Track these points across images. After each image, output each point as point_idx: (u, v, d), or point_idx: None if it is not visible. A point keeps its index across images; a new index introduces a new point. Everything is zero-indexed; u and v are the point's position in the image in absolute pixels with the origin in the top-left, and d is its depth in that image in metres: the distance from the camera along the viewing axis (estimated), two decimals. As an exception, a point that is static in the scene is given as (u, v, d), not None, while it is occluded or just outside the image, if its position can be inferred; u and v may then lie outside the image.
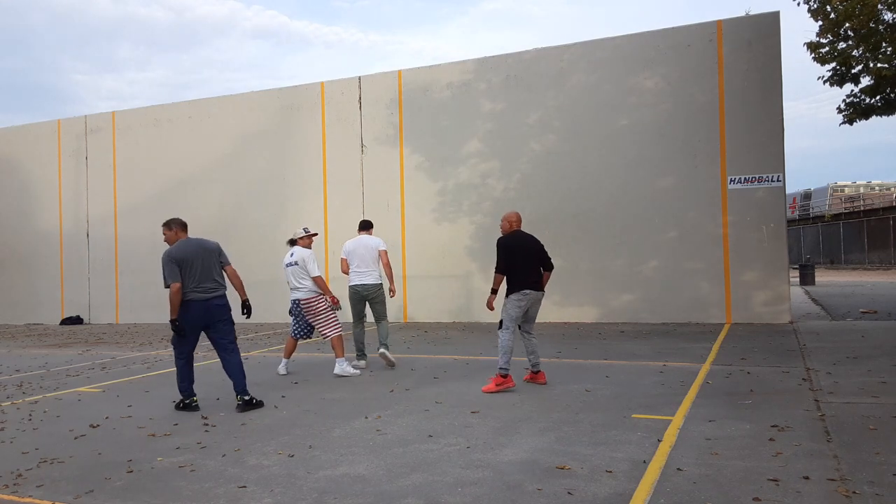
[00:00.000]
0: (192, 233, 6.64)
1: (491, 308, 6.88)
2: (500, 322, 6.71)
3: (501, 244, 6.79)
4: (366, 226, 8.62)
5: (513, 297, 6.64)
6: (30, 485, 4.16)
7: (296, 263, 7.77)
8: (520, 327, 6.78)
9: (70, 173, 17.66)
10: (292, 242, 8.01)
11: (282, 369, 8.02)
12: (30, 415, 6.19)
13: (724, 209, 12.06)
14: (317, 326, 7.86)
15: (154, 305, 16.44)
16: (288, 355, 8.11)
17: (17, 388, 7.69)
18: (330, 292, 7.79)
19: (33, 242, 18.06)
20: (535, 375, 6.87)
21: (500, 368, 6.53)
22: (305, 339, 8.24)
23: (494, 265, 6.75)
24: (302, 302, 7.80)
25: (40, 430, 5.61)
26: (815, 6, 11.42)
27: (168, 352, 10.63)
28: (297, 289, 7.82)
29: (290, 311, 8.13)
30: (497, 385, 6.50)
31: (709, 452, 4.32)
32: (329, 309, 7.79)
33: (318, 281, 7.70)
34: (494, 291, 6.79)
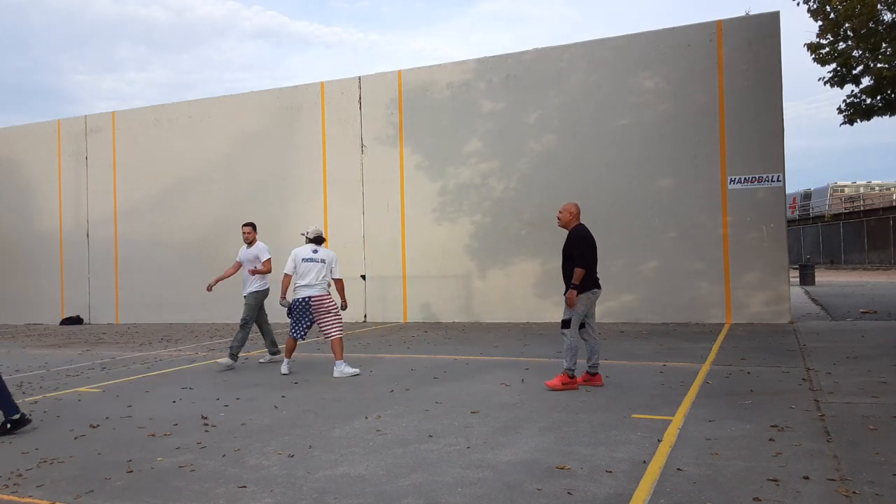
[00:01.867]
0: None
1: (572, 305, 6.41)
2: (566, 321, 6.42)
3: (583, 236, 6.45)
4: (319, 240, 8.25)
5: (585, 294, 6.39)
6: (30, 485, 4.16)
7: (322, 261, 7.93)
8: (581, 326, 6.51)
9: (70, 173, 17.66)
10: (318, 240, 8.08)
11: (284, 368, 8.02)
12: (30, 415, 6.18)
13: (724, 209, 12.06)
14: (323, 325, 7.90)
15: (154, 306, 16.46)
16: (289, 355, 8.11)
17: (17, 388, 7.69)
18: (345, 297, 8.17)
19: (33, 242, 18.06)
20: (593, 378, 6.61)
21: (568, 369, 6.36)
22: (303, 339, 8.23)
23: (568, 262, 6.34)
24: (314, 299, 7.87)
25: (40, 430, 5.61)
26: (815, 6, 11.43)
27: (167, 352, 10.64)
28: (312, 286, 7.87)
29: (288, 313, 8.06)
30: (563, 384, 6.35)
31: (709, 452, 4.32)
32: (338, 310, 7.97)
33: (341, 283, 8.08)
34: (576, 287, 6.36)
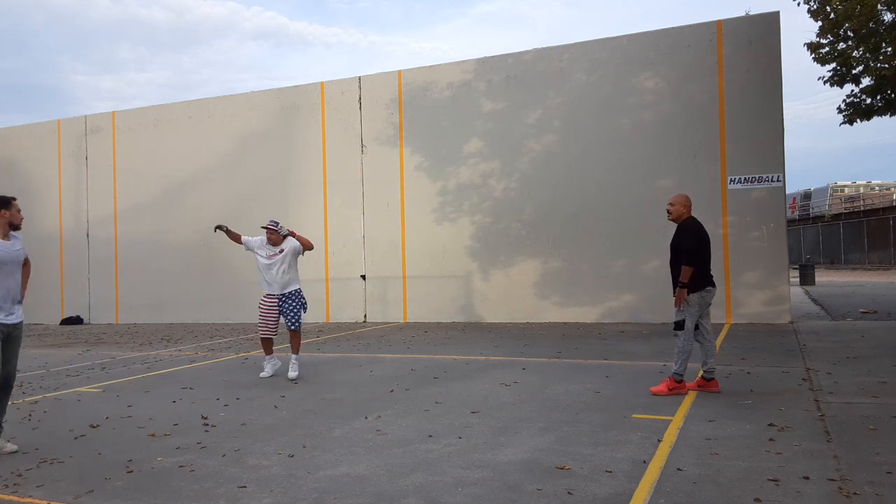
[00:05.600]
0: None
1: (680, 304, 5.99)
2: (679, 322, 6.03)
3: (695, 230, 6.03)
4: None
5: (698, 294, 5.97)
6: (30, 485, 4.16)
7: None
8: (696, 328, 6.12)
9: (70, 173, 17.65)
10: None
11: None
12: (30, 415, 6.19)
13: (724, 209, 12.06)
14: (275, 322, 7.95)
15: (154, 305, 16.45)
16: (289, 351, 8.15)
17: (17, 388, 7.67)
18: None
19: (33, 243, 17.99)
20: (708, 383, 6.18)
21: (676, 373, 6.01)
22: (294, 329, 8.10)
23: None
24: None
25: (40, 430, 5.61)
26: (815, 6, 11.43)
27: (168, 352, 10.64)
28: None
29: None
30: (670, 389, 6.01)
31: (709, 452, 4.32)
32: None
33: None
34: (685, 286, 5.92)
